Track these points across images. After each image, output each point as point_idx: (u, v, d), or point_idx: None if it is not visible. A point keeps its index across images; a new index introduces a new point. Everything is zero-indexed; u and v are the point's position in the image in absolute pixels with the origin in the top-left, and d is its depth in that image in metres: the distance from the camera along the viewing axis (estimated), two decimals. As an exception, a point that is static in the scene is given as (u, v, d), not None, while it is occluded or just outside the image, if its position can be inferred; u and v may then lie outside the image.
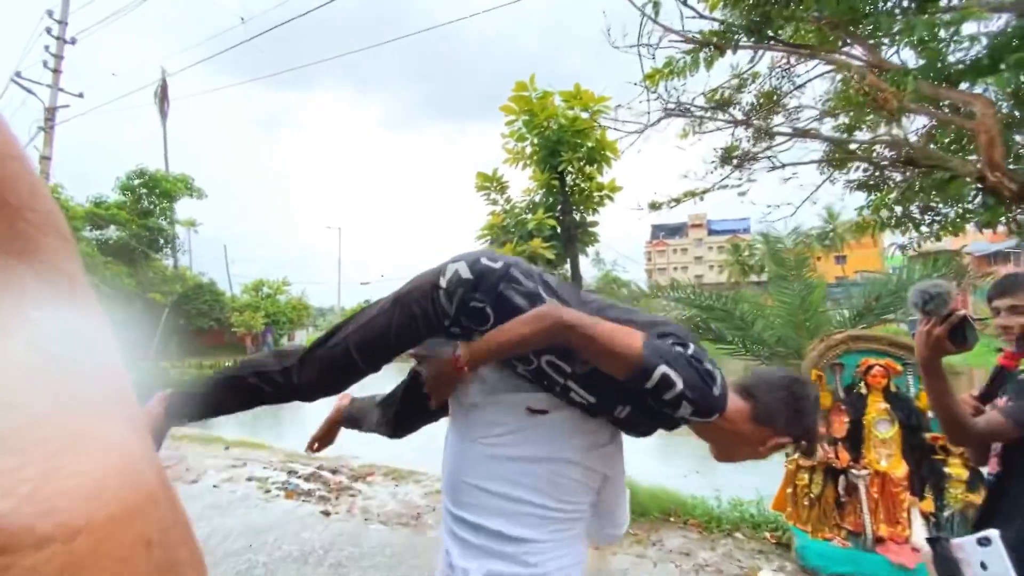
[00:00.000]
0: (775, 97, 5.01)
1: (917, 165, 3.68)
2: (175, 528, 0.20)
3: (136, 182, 22.21)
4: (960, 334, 1.31)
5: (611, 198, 4.51)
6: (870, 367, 3.48)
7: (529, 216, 3.90)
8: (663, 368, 0.84)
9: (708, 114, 5.00)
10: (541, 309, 0.92)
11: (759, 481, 4.33)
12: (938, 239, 5.07)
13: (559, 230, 4.05)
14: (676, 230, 77.04)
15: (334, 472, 6.05)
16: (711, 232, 74.37)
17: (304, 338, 44.70)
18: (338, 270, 36.23)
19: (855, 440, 3.42)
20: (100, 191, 28.23)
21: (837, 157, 5.52)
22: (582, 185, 4.43)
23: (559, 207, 4.05)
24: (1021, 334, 1.54)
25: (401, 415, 1.42)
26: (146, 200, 21.04)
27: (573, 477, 0.99)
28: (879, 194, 4.86)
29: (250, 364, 1.21)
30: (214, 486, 5.45)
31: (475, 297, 0.98)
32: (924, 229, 5.82)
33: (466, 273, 0.99)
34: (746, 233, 72.71)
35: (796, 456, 3.55)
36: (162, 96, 33.36)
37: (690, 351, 0.90)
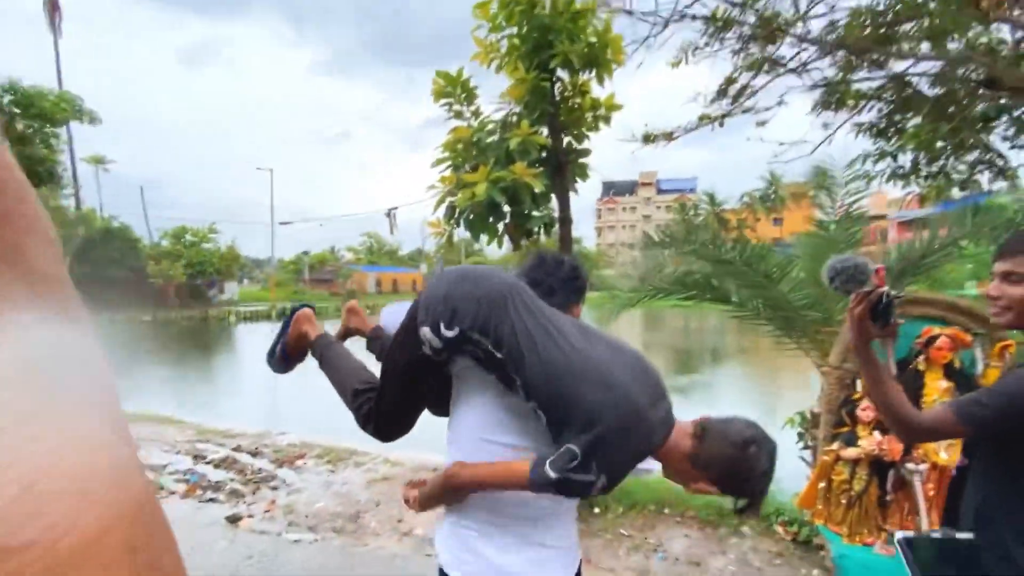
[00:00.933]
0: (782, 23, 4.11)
1: (999, 88, 2.96)
2: (159, 535, 0.20)
3: (5, 99, 18.32)
4: (882, 314, 1.21)
5: (607, 120, 3.51)
6: (933, 338, 2.81)
7: (508, 133, 2.85)
8: (531, 487, 1.01)
9: (720, 27, 4.02)
10: (447, 474, 1.10)
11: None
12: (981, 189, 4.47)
13: (545, 154, 3.05)
14: (626, 188, 77.25)
15: (254, 454, 4.98)
16: (660, 191, 75.15)
17: (236, 291, 41.54)
18: (271, 216, 33.11)
19: (906, 426, 2.77)
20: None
21: (844, 93, 4.78)
22: (573, 100, 3.40)
23: (547, 122, 3.03)
24: (1005, 307, 1.25)
25: (395, 411, 1.28)
26: (20, 122, 17.41)
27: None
28: (906, 134, 4.12)
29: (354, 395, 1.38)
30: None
31: (456, 353, 1.12)
32: (930, 182, 5.30)
33: (436, 343, 1.07)
34: (692, 193, 74.42)
35: (836, 446, 2.89)
36: (52, 3, 28.14)
37: (557, 470, 0.97)
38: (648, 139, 4.51)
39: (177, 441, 5.30)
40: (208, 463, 4.71)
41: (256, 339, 20.88)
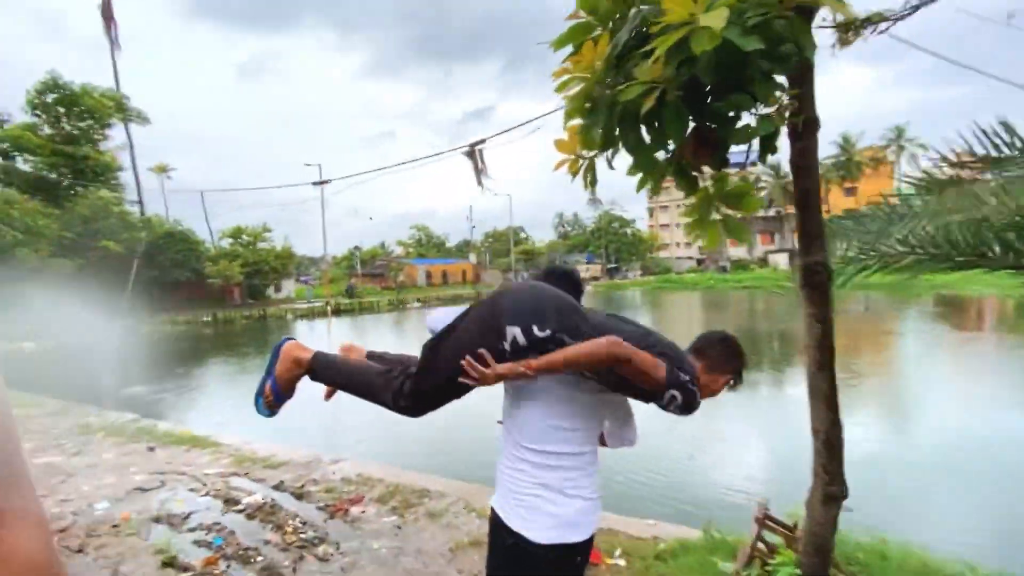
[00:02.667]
0: None
1: None
2: None
3: (49, 98, 18.28)
4: None
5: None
6: None
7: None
8: (673, 391, 1.32)
9: None
10: (611, 340, 1.26)
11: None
12: None
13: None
14: (679, 165, 72.99)
15: (299, 496, 3.83)
16: (716, 166, 70.59)
17: (292, 289, 42.24)
18: (322, 211, 33.04)
19: None
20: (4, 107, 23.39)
21: None
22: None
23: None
24: None
25: (433, 396, 1.45)
26: (67, 123, 17.44)
27: (595, 414, 1.46)
28: None
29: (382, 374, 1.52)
30: (79, 550, 3.20)
31: (532, 351, 1.33)
32: None
33: (523, 341, 1.31)
34: (754, 165, 68.97)
35: None
36: (107, 11, 28.76)
37: (686, 377, 1.34)
38: (851, 28, 2.89)
39: (208, 476, 4.24)
40: (241, 511, 3.59)
41: (313, 336, 20.46)
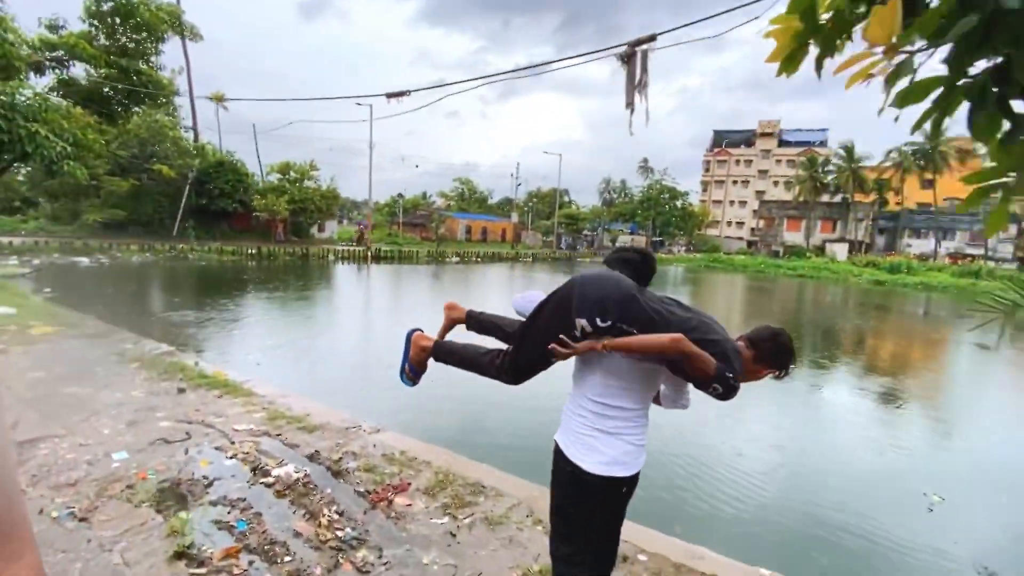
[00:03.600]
0: None
1: None
2: None
3: (106, 6, 17.94)
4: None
5: None
6: None
7: None
8: (716, 384, 1.51)
9: None
10: (674, 338, 1.48)
11: None
12: None
13: None
14: (742, 139, 68.68)
15: (336, 473, 3.31)
16: (782, 143, 65.87)
17: (336, 230, 42.49)
18: (370, 152, 32.33)
19: None
20: (61, 12, 23.13)
21: None
22: None
23: None
24: None
25: (526, 369, 1.74)
26: (122, 34, 17.15)
27: (651, 379, 1.68)
28: None
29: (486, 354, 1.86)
30: (68, 512, 2.76)
31: (606, 334, 1.58)
32: None
33: (589, 328, 1.56)
34: (822, 147, 64.34)
35: None
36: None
37: (730, 374, 1.51)
38: None
39: (237, 434, 3.78)
40: (270, 484, 3.09)
41: (353, 284, 20.31)
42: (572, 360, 1.69)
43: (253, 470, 3.27)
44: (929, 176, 46.89)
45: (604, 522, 1.69)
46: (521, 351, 1.72)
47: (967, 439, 6.08)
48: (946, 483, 4.63)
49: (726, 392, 1.52)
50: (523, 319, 1.80)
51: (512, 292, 19.49)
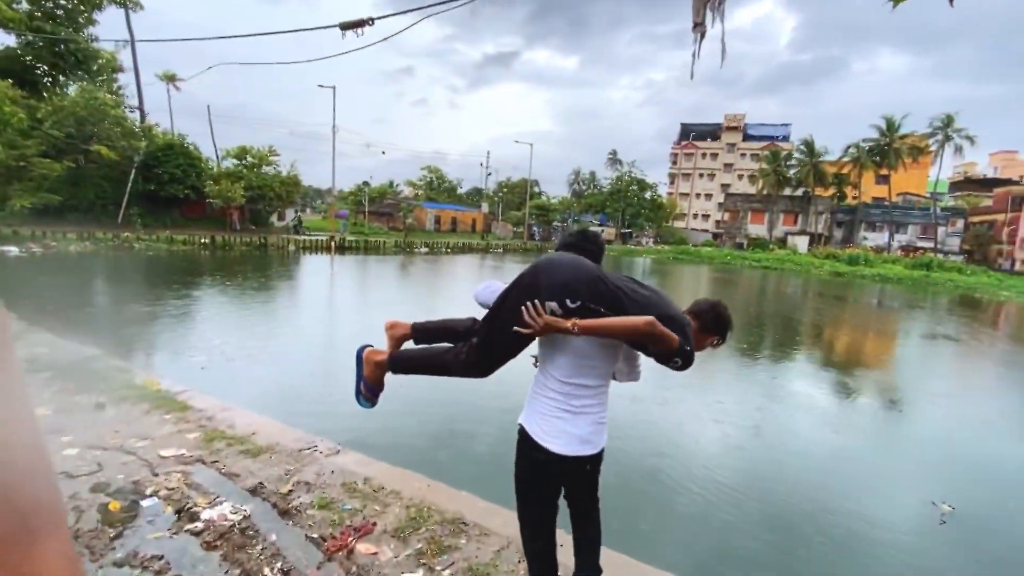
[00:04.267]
0: None
1: None
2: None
3: None
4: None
5: None
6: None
7: None
8: (678, 358, 1.58)
9: None
10: (649, 320, 1.52)
11: None
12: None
13: None
14: (708, 132, 69.65)
15: (284, 512, 2.71)
16: (747, 137, 67.19)
17: (293, 216, 40.69)
18: (332, 137, 30.89)
19: None
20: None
21: None
22: None
23: None
24: None
25: (497, 357, 1.71)
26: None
27: (612, 355, 1.74)
28: None
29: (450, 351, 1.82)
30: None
31: (575, 314, 1.62)
32: None
33: (559, 311, 1.59)
34: (785, 141, 65.87)
35: None
36: None
37: (689, 348, 1.60)
38: None
39: (163, 463, 3.12)
40: (197, 532, 2.47)
41: (318, 275, 19.28)
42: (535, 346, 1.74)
43: (178, 512, 2.63)
44: (884, 172, 48.72)
45: (570, 501, 1.83)
46: (489, 340, 1.70)
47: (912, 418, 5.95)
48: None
49: (685, 364, 1.61)
50: (485, 309, 1.79)
51: (477, 282, 18.99)
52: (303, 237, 30.22)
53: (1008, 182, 55.17)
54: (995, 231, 47.01)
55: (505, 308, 1.64)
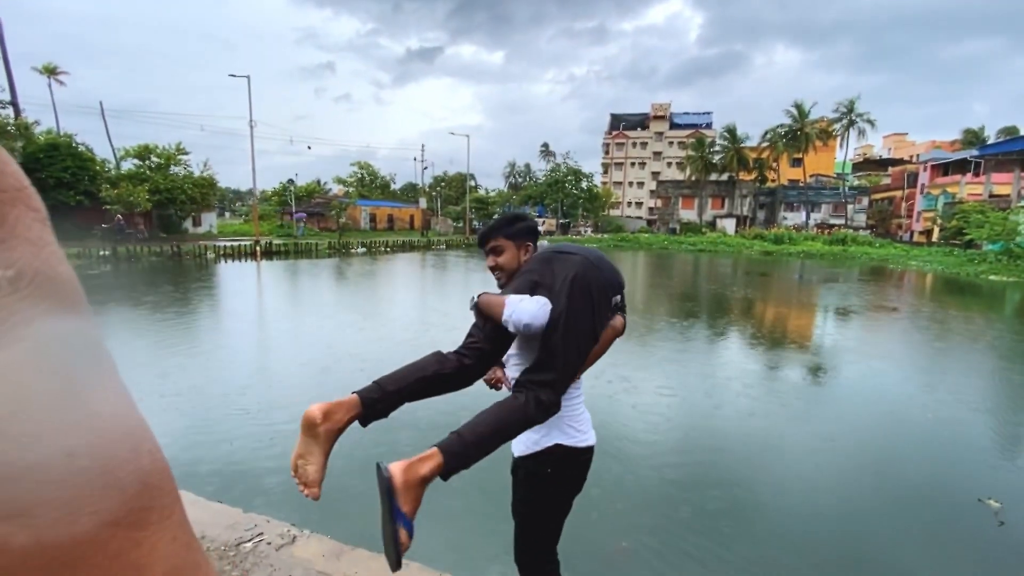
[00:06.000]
0: None
1: None
2: (165, 505, 0.25)
3: None
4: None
5: None
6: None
7: None
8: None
9: None
10: (621, 326, 1.67)
11: None
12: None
13: None
14: (637, 122, 71.52)
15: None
16: (673, 125, 69.66)
17: (214, 223, 37.14)
18: (250, 132, 28.11)
19: None
20: None
21: None
22: None
23: None
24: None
25: (572, 376, 1.51)
26: None
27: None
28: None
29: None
30: None
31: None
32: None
33: (617, 300, 1.66)
34: (708, 128, 68.90)
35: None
36: None
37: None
38: None
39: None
40: None
41: (243, 284, 17.32)
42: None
43: None
44: (798, 156, 52.17)
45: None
46: (569, 361, 1.46)
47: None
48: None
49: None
50: (523, 330, 1.47)
51: (432, 285, 17.75)
52: (222, 243, 27.50)
53: (901, 162, 61.05)
54: (894, 206, 51.75)
55: (573, 317, 1.48)
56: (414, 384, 1.40)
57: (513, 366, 1.66)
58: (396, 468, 1.21)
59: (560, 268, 1.52)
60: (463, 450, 1.28)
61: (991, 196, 35.36)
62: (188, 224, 31.98)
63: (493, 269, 1.70)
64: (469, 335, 1.52)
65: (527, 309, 1.45)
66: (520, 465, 1.63)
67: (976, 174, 39.09)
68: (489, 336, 1.49)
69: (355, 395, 1.32)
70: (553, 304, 1.45)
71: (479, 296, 1.54)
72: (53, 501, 0.20)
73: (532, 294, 1.49)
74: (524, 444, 1.61)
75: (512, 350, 1.64)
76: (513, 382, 1.54)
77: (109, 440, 0.23)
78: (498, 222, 1.71)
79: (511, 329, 1.45)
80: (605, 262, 1.60)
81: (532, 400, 1.40)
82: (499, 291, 1.67)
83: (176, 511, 0.26)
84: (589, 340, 1.52)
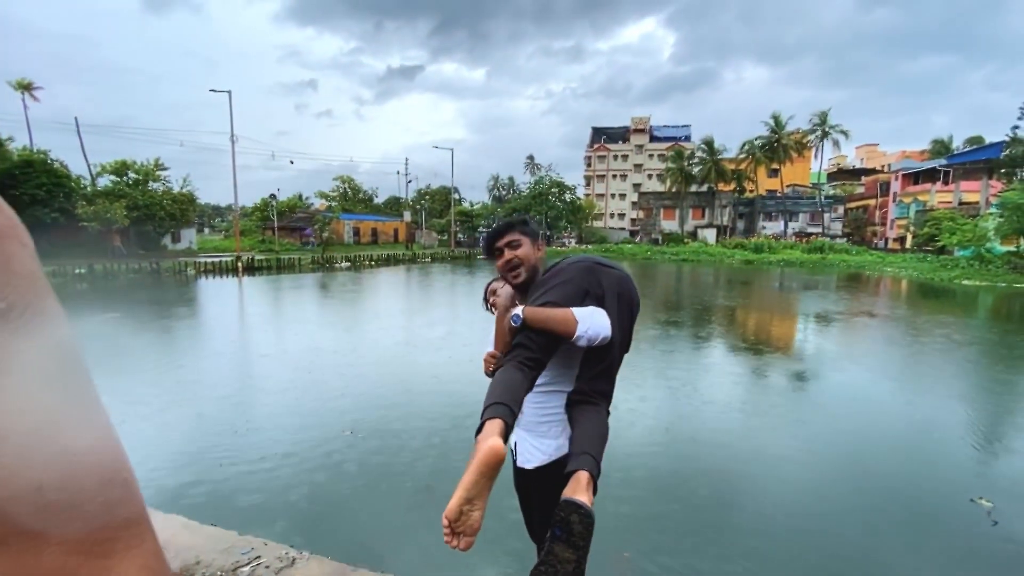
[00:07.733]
0: None
1: None
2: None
3: None
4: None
5: None
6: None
7: None
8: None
9: None
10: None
11: None
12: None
13: None
14: (618, 135, 72.64)
15: None
16: (653, 138, 70.89)
17: (194, 239, 36.49)
18: (231, 146, 27.77)
19: None
20: None
21: None
22: None
23: None
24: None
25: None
26: None
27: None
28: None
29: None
30: None
31: None
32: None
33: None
34: (687, 141, 70.23)
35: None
36: None
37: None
38: None
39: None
40: None
41: (220, 304, 17.00)
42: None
43: None
44: (775, 166, 53.40)
45: None
46: (617, 361, 1.61)
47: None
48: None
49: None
50: (594, 344, 1.53)
51: (418, 299, 17.64)
52: (202, 259, 27.01)
53: (873, 171, 62.90)
54: (869, 214, 53.18)
55: (631, 331, 1.62)
56: (522, 399, 1.42)
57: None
58: (580, 491, 1.35)
59: (607, 281, 1.56)
60: (598, 466, 1.43)
61: (961, 204, 36.60)
62: (167, 240, 31.38)
63: (507, 265, 1.66)
64: (522, 346, 1.46)
65: (603, 324, 1.48)
66: (538, 475, 1.62)
67: (945, 183, 40.50)
68: (544, 347, 1.47)
69: (499, 420, 1.26)
70: (610, 318, 1.51)
71: (523, 310, 1.48)
72: (22, 534, 0.21)
73: (582, 303, 1.50)
74: (544, 453, 1.60)
75: (533, 352, 1.58)
76: (568, 391, 1.60)
77: (79, 474, 0.24)
78: (513, 219, 1.73)
79: (581, 344, 1.47)
80: (627, 285, 1.64)
81: (606, 412, 1.56)
82: (512, 289, 1.68)
83: (147, 539, 0.26)
84: (622, 347, 1.59)
